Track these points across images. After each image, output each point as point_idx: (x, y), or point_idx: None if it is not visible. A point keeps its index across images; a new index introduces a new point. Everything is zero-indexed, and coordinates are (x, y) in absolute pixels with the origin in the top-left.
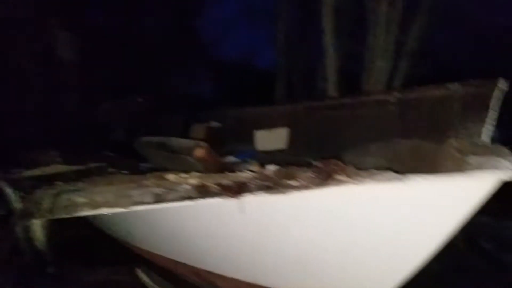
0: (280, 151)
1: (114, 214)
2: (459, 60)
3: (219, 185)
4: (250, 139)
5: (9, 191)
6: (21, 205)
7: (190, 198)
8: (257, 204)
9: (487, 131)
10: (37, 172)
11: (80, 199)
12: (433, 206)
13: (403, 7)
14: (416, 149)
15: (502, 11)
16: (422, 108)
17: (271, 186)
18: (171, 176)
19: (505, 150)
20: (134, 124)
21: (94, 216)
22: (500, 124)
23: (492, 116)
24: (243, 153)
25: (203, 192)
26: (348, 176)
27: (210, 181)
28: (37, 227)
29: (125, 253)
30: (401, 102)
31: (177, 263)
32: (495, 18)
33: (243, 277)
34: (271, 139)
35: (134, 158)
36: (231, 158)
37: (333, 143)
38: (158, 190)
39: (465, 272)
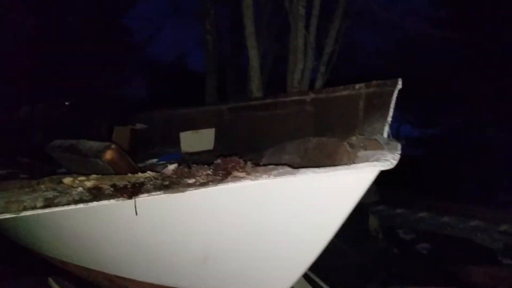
0: (206, 152)
1: (24, 225)
2: (377, 61)
3: (114, 186)
4: (177, 141)
5: None
6: None
7: (83, 201)
8: (157, 204)
9: (388, 128)
10: None
11: None
12: (322, 197)
13: (321, 9)
14: (322, 145)
15: (413, 16)
16: (333, 107)
17: (169, 185)
18: (67, 180)
19: (396, 144)
20: (56, 128)
21: (5, 228)
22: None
23: (391, 114)
24: (169, 155)
25: (96, 194)
26: (246, 172)
27: (106, 182)
28: None
29: (38, 263)
30: (315, 102)
31: (89, 270)
32: (407, 22)
33: (152, 280)
34: (198, 140)
35: (52, 163)
36: (153, 161)
37: (255, 143)
38: (50, 194)
39: (385, 262)
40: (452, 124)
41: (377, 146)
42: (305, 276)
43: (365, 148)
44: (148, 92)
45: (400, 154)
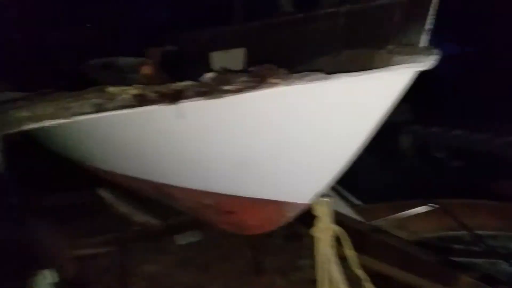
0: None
1: (71, 136)
2: None
3: (157, 92)
4: (206, 62)
5: None
6: None
7: (129, 106)
8: (197, 110)
9: (425, 37)
10: None
11: (22, 114)
12: (356, 102)
13: None
14: (355, 56)
15: None
16: (367, 19)
17: (208, 91)
18: (111, 89)
19: (434, 50)
20: (86, 52)
21: (52, 141)
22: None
23: (429, 23)
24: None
25: (141, 100)
26: (281, 78)
27: (149, 90)
28: None
29: (86, 177)
30: (348, 14)
31: (135, 180)
32: None
33: (194, 186)
34: (228, 60)
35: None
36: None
37: (286, 61)
38: (97, 101)
39: (417, 179)
40: (493, 42)
41: (414, 51)
42: (336, 191)
43: (401, 54)
44: (172, 14)
45: (438, 57)
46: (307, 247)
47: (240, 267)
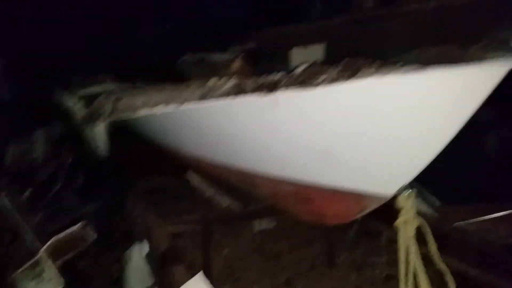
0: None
1: (161, 123)
2: None
3: (255, 83)
4: (285, 58)
5: (72, 101)
6: (84, 112)
7: (230, 95)
8: (289, 100)
9: None
10: (92, 90)
11: (137, 101)
12: (449, 94)
13: None
14: (444, 53)
15: None
16: (457, 14)
17: (303, 81)
18: (212, 80)
19: None
20: (171, 48)
21: (143, 128)
22: None
23: None
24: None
25: (241, 90)
26: (375, 69)
27: (246, 81)
28: (100, 134)
29: (175, 163)
30: (436, 10)
31: (221, 167)
32: None
33: (277, 174)
34: (308, 56)
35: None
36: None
37: (369, 56)
38: (203, 91)
39: (502, 183)
40: None
41: (508, 48)
42: (416, 190)
43: (495, 50)
44: (249, 12)
45: None
46: (381, 245)
47: (312, 258)
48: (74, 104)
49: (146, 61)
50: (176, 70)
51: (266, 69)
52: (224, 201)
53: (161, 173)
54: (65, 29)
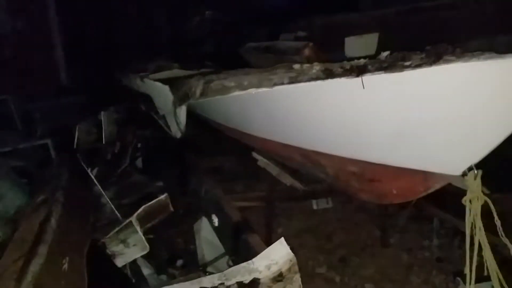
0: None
1: (233, 107)
2: None
3: (342, 67)
4: (337, 47)
5: (158, 85)
6: (171, 94)
7: (319, 78)
8: (374, 83)
9: None
10: (163, 75)
11: (229, 83)
12: None
13: None
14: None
15: None
16: None
17: (388, 66)
18: (296, 65)
19: None
20: (221, 38)
21: (209, 111)
22: None
23: None
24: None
25: (329, 73)
26: (456, 56)
27: (333, 65)
28: (183, 113)
29: (235, 145)
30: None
31: (286, 146)
32: None
33: (343, 153)
34: (361, 45)
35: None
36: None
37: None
38: (292, 74)
39: None
40: None
41: None
42: None
43: None
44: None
45: None
46: (432, 229)
47: (364, 239)
48: (158, 87)
49: (200, 50)
50: (238, 58)
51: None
52: (288, 180)
53: (223, 155)
54: (118, 22)
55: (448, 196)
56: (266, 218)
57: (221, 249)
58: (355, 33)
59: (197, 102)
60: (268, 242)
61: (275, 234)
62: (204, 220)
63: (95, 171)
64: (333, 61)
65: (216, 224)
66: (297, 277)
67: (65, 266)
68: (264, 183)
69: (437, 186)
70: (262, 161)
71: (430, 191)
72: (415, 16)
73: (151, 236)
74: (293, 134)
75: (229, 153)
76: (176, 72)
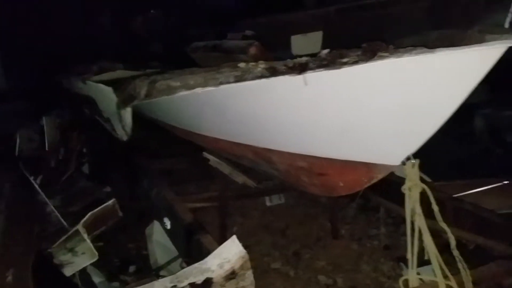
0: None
1: (181, 107)
2: None
3: (285, 65)
4: (283, 46)
5: (101, 87)
6: (114, 96)
7: (263, 77)
8: (315, 80)
9: (509, 19)
10: (105, 77)
11: (175, 83)
12: (454, 74)
13: None
14: (443, 36)
15: None
16: (451, 2)
17: (327, 64)
18: (242, 64)
19: None
20: (167, 37)
21: (158, 112)
22: None
23: None
24: (282, 59)
25: (273, 71)
26: (389, 52)
27: (277, 63)
28: (129, 115)
29: (186, 145)
30: None
31: (237, 145)
32: None
33: (292, 149)
34: (306, 43)
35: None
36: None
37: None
38: (237, 73)
39: (487, 160)
40: None
41: (503, 31)
42: None
43: (492, 33)
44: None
45: None
46: (380, 218)
47: (316, 232)
48: (100, 89)
49: (146, 49)
50: (185, 57)
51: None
52: (240, 179)
53: (174, 156)
54: (62, 22)
55: (392, 185)
56: (220, 217)
57: (175, 252)
58: (300, 32)
59: (144, 103)
60: (223, 242)
61: (230, 233)
62: (156, 224)
63: (39, 179)
64: (279, 59)
65: (168, 227)
66: (249, 273)
67: (10, 278)
68: (217, 182)
69: (380, 176)
70: (213, 160)
71: (374, 181)
72: (355, 14)
73: (101, 243)
74: (243, 132)
75: (180, 154)
76: (120, 73)
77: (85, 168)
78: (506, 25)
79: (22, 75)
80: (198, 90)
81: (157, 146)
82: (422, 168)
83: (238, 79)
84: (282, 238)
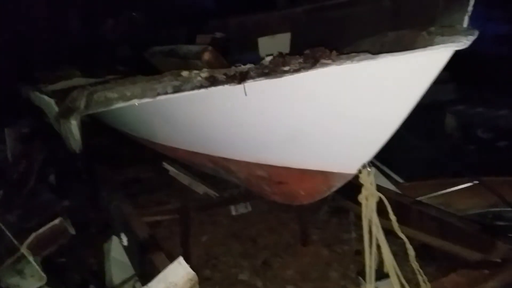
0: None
1: (136, 116)
2: None
3: (225, 75)
4: (253, 47)
5: (45, 98)
6: (57, 108)
7: (203, 87)
8: (257, 89)
9: (467, 18)
10: (60, 85)
11: (112, 94)
12: (399, 79)
13: None
14: (399, 38)
15: None
16: (411, 2)
17: (268, 72)
18: (185, 72)
19: (473, 30)
20: (137, 39)
21: (117, 121)
22: None
23: (472, 3)
24: (248, 61)
25: (213, 81)
26: (332, 59)
27: (217, 73)
28: (74, 127)
29: (149, 154)
30: None
31: (197, 154)
32: None
33: (249, 159)
34: (274, 45)
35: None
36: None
37: (332, 43)
38: (176, 83)
39: (460, 157)
40: None
41: (454, 32)
42: (379, 169)
43: (442, 35)
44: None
45: (475, 37)
46: (351, 222)
47: (287, 239)
48: (45, 101)
49: (113, 54)
50: (145, 63)
51: (237, 59)
52: (201, 189)
53: (136, 165)
54: (26, 25)
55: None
56: (181, 231)
57: (132, 271)
58: (269, 33)
59: (100, 111)
60: (187, 255)
61: (198, 242)
62: (115, 239)
63: (0, 193)
64: (231, 65)
65: (125, 243)
66: None
67: None
68: (177, 194)
69: (339, 184)
70: (172, 171)
71: (334, 189)
72: (321, 14)
73: (63, 259)
74: (196, 141)
75: (143, 163)
76: (77, 81)
77: (52, 180)
78: (465, 25)
79: None
80: (135, 102)
81: (122, 155)
82: (393, 168)
83: (176, 90)
84: (252, 246)
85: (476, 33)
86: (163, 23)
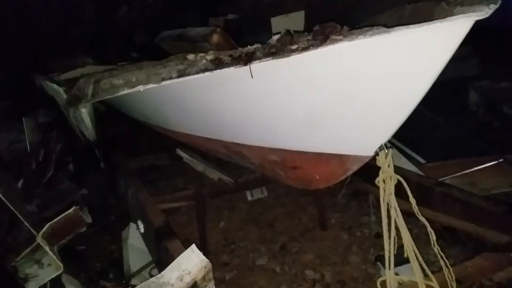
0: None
1: (149, 103)
2: None
3: (231, 56)
4: (267, 28)
5: (55, 87)
6: (66, 96)
7: (208, 70)
8: (267, 70)
9: None
10: (72, 74)
11: (118, 81)
12: (416, 54)
13: None
14: (417, 11)
15: None
16: None
17: (276, 52)
18: (190, 56)
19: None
20: (151, 24)
21: (131, 109)
22: None
23: None
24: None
25: (218, 64)
26: (343, 34)
27: (223, 54)
28: (85, 115)
29: (165, 141)
30: None
31: (209, 140)
32: None
33: (262, 143)
34: (288, 24)
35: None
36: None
37: (349, 19)
38: (181, 67)
39: (485, 134)
40: None
41: (476, 1)
42: (398, 148)
43: (462, 5)
44: None
45: (496, 6)
46: (370, 205)
47: (305, 223)
48: (55, 90)
49: (128, 40)
50: (158, 48)
51: (249, 41)
52: (215, 175)
53: (152, 152)
54: (42, 16)
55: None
56: (197, 217)
57: (149, 258)
58: (282, 13)
59: (112, 98)
60: (205, 241)
61: (216, 228)
62: (133, 226)
63: (20, 183)
64: (243, 46)
65: (142, 230)
66: (211, 285)
67: None
68: (193, 180)
69: (355, 168)
70: (186, 158)
71: (350, 173)
72: None
73: (83, 247)
74: (208, 127)
75: (160, 150)
76: (89, 68)
77: (71, 168)
78: None
79: (3, 74)
80: (140, 87)
81: (137, 142)
82: (414, 148)
83: (181, 74)
84: (269, 231)
85: (499, 1)
86: (177, 7)
